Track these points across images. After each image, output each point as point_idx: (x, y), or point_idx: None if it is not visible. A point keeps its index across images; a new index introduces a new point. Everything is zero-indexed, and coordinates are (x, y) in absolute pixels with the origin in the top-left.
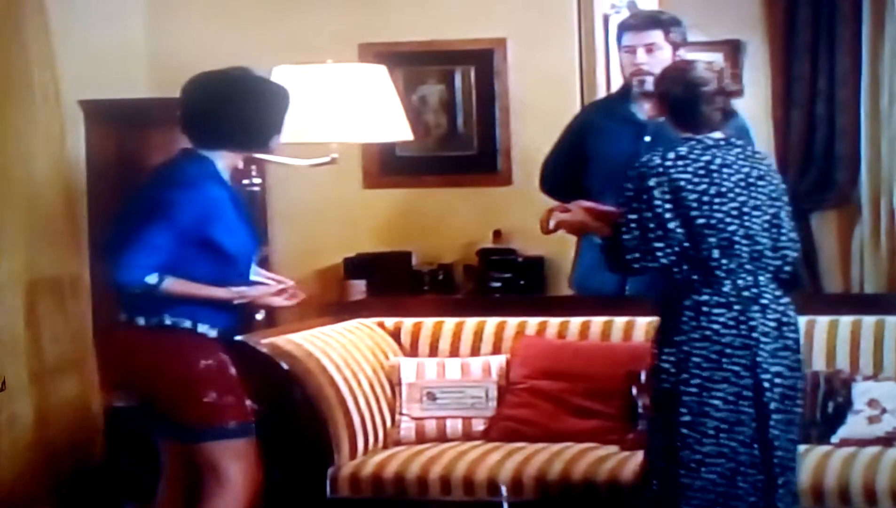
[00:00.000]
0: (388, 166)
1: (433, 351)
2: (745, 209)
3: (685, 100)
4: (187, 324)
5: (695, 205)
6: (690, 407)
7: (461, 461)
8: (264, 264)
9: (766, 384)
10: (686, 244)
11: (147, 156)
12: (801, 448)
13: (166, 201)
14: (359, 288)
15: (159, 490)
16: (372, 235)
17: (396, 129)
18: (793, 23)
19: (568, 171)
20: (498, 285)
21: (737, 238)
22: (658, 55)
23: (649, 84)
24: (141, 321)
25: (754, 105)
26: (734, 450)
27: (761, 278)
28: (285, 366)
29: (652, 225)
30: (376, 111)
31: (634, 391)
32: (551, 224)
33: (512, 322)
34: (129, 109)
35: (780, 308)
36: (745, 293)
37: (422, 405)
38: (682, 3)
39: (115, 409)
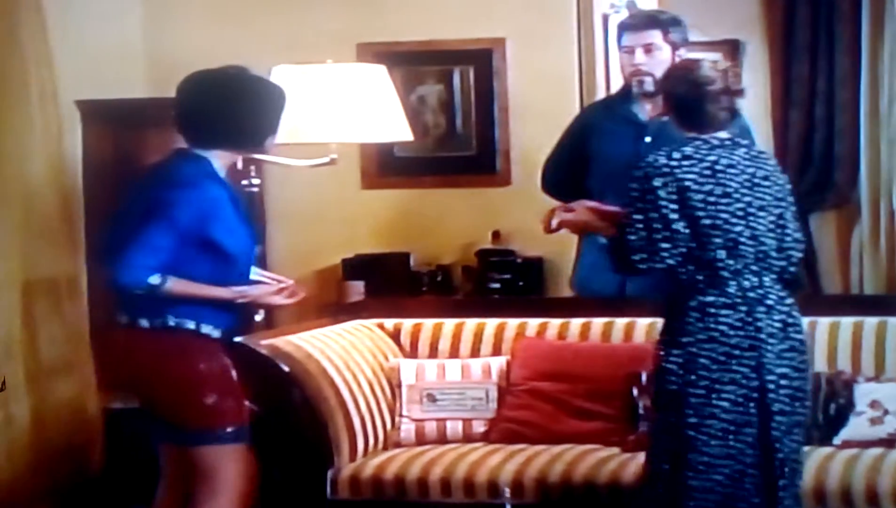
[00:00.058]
0: (386, 167)
1: (433, 352)
2: (751, 210)
3: (690, 99)
4: (191, 325)
5: (700, 205)
6: (697, 409)
7: (462, 462)
8: (261, 264)
9: (771, 386)
10: (692, 245)
11: (144, 156)
12: (804, 449)
13: (166, 201)
14: (357, 289)
15: (158, 495)
16: (370, 236)
17: (396, 129)
18: (792, 23)
19: (569, 171)
20: (497, 286)
21: (742, 239)
22: (657, 55)
23: (648, 84)
24: (144, 322)
25: (753, 106)
26: (741, 452)
27: (766, 278)
28: (285, 367)
29: (658, 225)
30: (376, 111)
31: (635, 392)
32: (553, 223)
33: (512, 323)
34: (126, 109)
35: (785, 309)
36: (751, 294)
37: (422, 406)
38: (682, 3)
39: (113, 411)
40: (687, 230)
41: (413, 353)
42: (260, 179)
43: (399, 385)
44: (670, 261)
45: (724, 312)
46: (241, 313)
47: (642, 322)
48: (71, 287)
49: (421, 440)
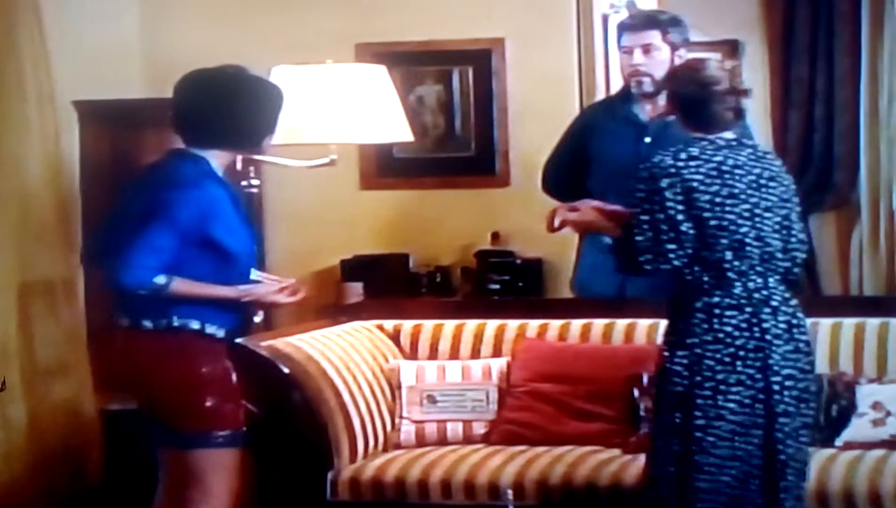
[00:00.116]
0: (385, 168)
1: (433, 354)
2: (757, 211)
3: (696, 99)
4: (195, 325)
5: (707, 206)
6: (704, 410)
7: (462, 464)
8: (260, 265)
9: (776, 387)
10: (698, 246)
11: (141, 156)
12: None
13: (166, 201)
14: (356, 290)
15: (156, 499)
16: (369, 236)
17: (396, 129)
18: (791, 23)
19: (570, 172)
20: (496, 287)
21: (748, 240)
22: (656, 56)
23: (647, 85)
24: (147, 324)
25: (753, 106)
26: (749, 453)
27: (771, 279)
28: (285, 369)
29: (664, 227)
30: (376, 112)
31: (636, 393)
32: (556, 222)
33: (512, 325)
34: (123, 109)
35: (790, 310)
36: (756, 295)
37: (422, 408)
38: (681, 3)
39: (111, 412)
40: (693, 231)
41: (413, 354)
42: (259, 180)
43: (399, 387)
44: (676, 262)
45: (729, 313)
46: (244, 312)
47: (643, 324)
48: (67, 289)
49: (421, 441)
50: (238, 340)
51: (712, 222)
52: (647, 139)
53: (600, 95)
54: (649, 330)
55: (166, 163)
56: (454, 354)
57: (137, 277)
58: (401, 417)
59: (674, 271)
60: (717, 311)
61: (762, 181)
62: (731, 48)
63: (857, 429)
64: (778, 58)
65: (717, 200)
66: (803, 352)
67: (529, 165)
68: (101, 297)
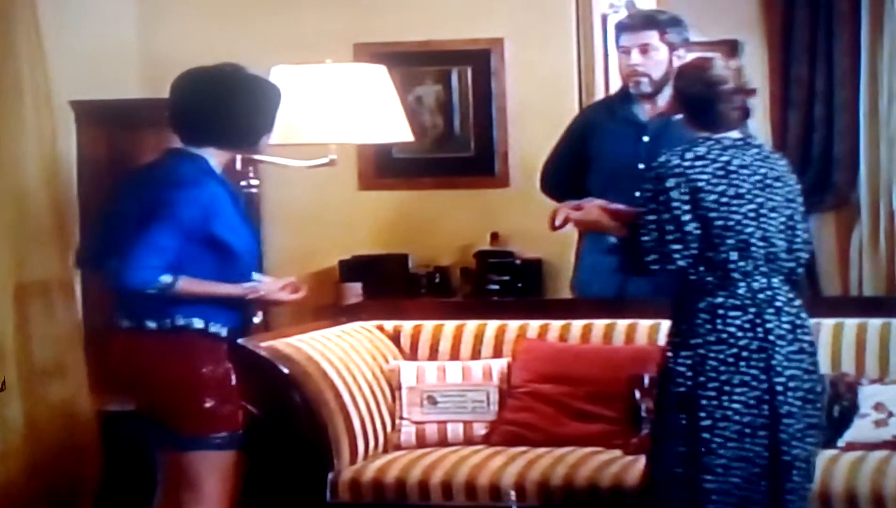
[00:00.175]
0: (384, 168)
1: (433, 355)
2: (763, 211)
3: (703, 98)
4: (199, 324)
5: (713, 206)
6: (710, 411)
7: (463, 465)
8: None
9: (780, 388)
10: (703, 246)
11: (139, 157)
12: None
13: (167, 200)
14: (354, 291)
15: (155, 502)
16: (368, 237)
17: (396, 130)
18: (791, 23)
19: (569, 172)
20: (496, 287)
21: (753, 240)
22: (653, 56)
23: (645, 85)
24: (151, 324)
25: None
26: (758, 454)
27: (775, 280)
28: (284, 369)
29: (670, 227)
30: (376, 112)
31: (637, 394)
32: (558, 220)
33: (513, 325)
34: (120, 109)
35: (794, 310)
36: (760, 296)
37: (422, 409)
38: (680, 2)
39: (109, 413)
40: (699, 231)
41: (413, 355)
42: (258, 180)
43: (399, 388)
44: (682, 262)
45: (733, 313)
46: (247, 310)
47: (644, 324)
48: (64, 290)
49: (421, 442)
50: (238, 341)
51: (718, 223)
52: (646, 138)
53: (600, 96)
54: (650, 331)
55: (164, 162)
56: (454, 355)
57: (143, 277)
58: (401, 418)
59: (679, 272)
60: (720, 311)
61: (768, 181)
62: (731, 48)
63: (860, 430)
64: (777, 58)
65: (723, 200)
66: (807, 352)
67: (529, 165)
68: (98, 298)
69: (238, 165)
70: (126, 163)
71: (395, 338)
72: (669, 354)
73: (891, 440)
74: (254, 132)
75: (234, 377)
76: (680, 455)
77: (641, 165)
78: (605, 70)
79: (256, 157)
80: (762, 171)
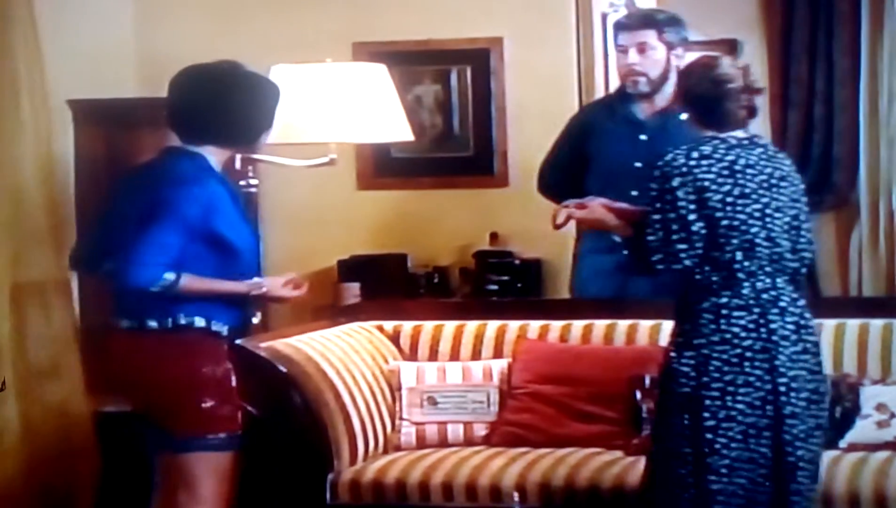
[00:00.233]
0: (382, 167)
1: (433, 355)
2: (768, 211)
3: (710, 97)
4: (201, 323)
5: (719, 206)
6: (713, 412)
7: (463, 466)
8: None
9: (783, 389)
10: (708, 245)
11: (137, 156)
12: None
13: (169, 198)
14: (353, 291)
15: (152, 505)
16: (366, 237)
17: (397, 129)
18: (790, 22)
19: (567, 172)
20: (495, 287)
21: (758, 240)
22: (651, 55)
23: (642, 85)
24: (152, 323)
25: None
26: (764, 456)
27: (779, 280)
28: (284, 370)
29: (675, 226)
30: (376, 111)
31: (639, 395)
32: (560, 219)
33: (513, 326)
34: (118, 108)
35: (798, 311)
36: (765, 296)
37: (422, 409)
38: (679, 2)
39: (106, 414)
40: (704, 231)
41: (413, 356)
42: (257, 179)
43: (399, 388)
44: (687, 262)
45: (737, 313)
46: (250, 309)
47: (645, 324)
48: (60, 290)
49: (421, 443)
50: (237, 341)
51: (724, 222)
52: (644, 137)
53: (600, 95)
54: (651, 331)
55: (163, 161)
56: (454, 355)
57: (146, 275)
58: (401, 419)
59: (684, 271)
60: (724, 311)
61: (773, 181)
62: (730, 48)
63: (862, 431)
64: (777, 57)
65: (729, 199)
66: (812, 353)
67: (528, 165)
68: (96, 298)
69: (238, 165)
70: (124, 162)
71: (395, 338)
72: (673, 354)
73: (893, 441)
74: (253, 130)
75: (233, 378)
76: (684, 457)
77: (639, 164)
78: (605, 69)
79: (256, 156)
80: (768, 170)
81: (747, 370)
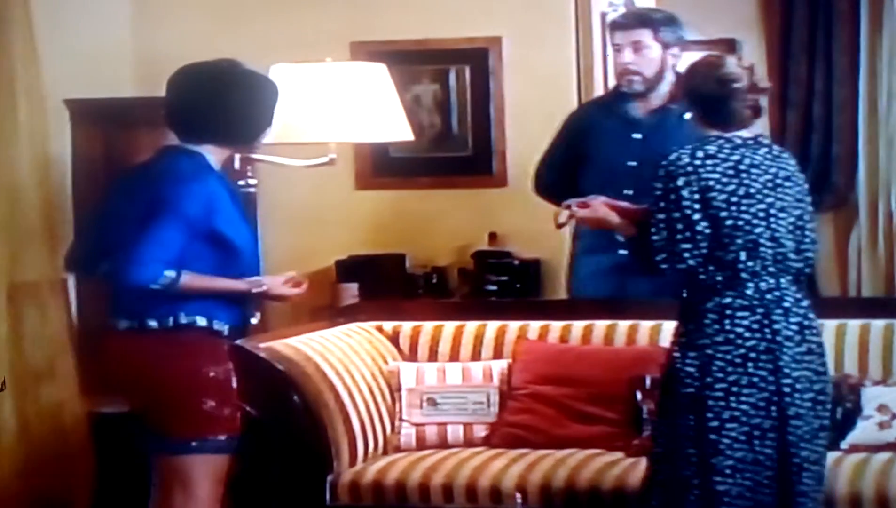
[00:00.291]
0: (380, 167)
1: (433, 356)
2: (772, 211)
3: (716, 97)
4: (203, 322)
5: (723, 206)
6: (717, 412)
7: (464, 468)
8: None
9: (787, 390)
10: (713, 245)
11: (134, 156)
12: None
13: (170, 195)
14: (351, 291)
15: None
16: (364, 237)
17: (396, 128)
18: (789, 22)
19: (564, 171)
20: (494, 288)
21: (763, 240)
22: (646, 54)
23: (637, 84)
24: (153, 323)
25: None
26: (769, 457)
27: (783, 280)
28: (283, 370)
29: (679, 226)
30: (376, 111)
31: (639, 396)
32: (562, 218)
33: (513, 326)
34: (115, 108)
35: (802, 311)
36: (769, 296)
37: (422, 410)
38: (678, 1)
39: (103, 415)
40: (709, 231)
41: (412, 356)
42: (256, 179)
43: (399, 389)
44: (691, 262)
45: (741, 313)
46: (250, 307)
47: (645, 325)
48: (57, 290)
49: (421, 444)
50: (237, 342)
51: (728, 222)
52: (638, 136)
53: (599, 94)
54: (652, 332)
55: (162, 159)
56: (454, 356)
57: (147, 272)
58: (401, 419)
59: (688, 271)
60: (728, 312)
61: (778, 181)
62: (729, 47)
63: (863, 432)
64: (776, 57)
65: (734, 199)
66: (816, 353)
67: (527, 165)
68: (94, 299)
69: (237, 165)
70: (121, 162)
71: (395, 339)
72: (677, 354)
73: (894, 442)
74: (252, 128)
75: (234, 380)
76: (689, 458)
77: (633, 163)
78: (604, 69)
79: (256, 156)
80: (772, 170)
81: (751, 370)
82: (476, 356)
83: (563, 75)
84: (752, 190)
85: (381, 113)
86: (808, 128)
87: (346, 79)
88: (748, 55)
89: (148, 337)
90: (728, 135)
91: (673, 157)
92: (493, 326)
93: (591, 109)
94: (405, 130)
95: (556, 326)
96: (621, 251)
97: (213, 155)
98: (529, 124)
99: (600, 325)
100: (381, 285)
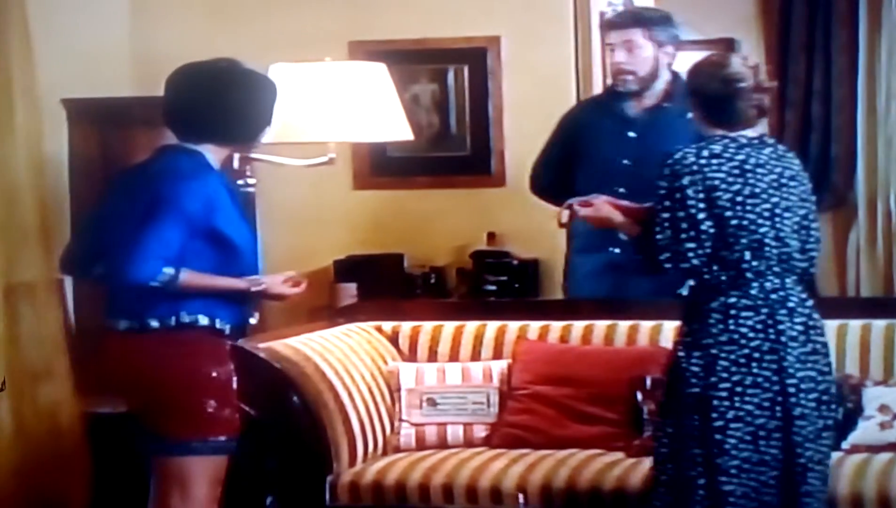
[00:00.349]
0: (379, 167)
1: (432, 356)
2: (777, 211)
3: (721, 96)
4: (205, 321)
5: (728, 205)
6: (722, 412)
7: (464, 468)
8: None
9: (792, 390)
10: (717, 245)
11: (131, 156)
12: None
13: (170, 193)
14: (349, 291)
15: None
16: (363, 237)
17: (396, 128)
18: (788, 21)
19: (560, 171)
20: (492, 288)
21: (767, 240)
22: (639, 53)
23: (631, 83)
24: (154, 322)
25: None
26: (774, 457)
27: (788, 280)
28: (283, 370)
29: (684, 225)
30: (375, 110)
31: (640, 396)
32: (564, 217)
33: (513, 326)
34: (112, 108)
35: (806, 311)
36: (773, 296)
37: (422, 411)
38: (676, 1)
39: (100, 416)
40: (713, 230)
41: (412, 356)
42: (255, 178)
43: (398, 389)
44: (696, 261)
45: (745, 313)
46: (250, 306)
47: (646, 325)
48: (53, 291)
49: (421, 444)
50: (236, 342)
51: (733, 222)
52: (632, 134)
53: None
54: (652, 332)
55: (161, 158)
56: (454, 356)
57: (146, 270)
58: (400, 420)
59: (692, 271)
60: (732, 311)
61: (783, 180)
62: (727, 47)
63: (865, 432)
64: (774, 56)
65: (739, 199)
66: (821, 353)
67: (525, 164)
68: (90, 300)
69: (236, 164)
70: (118, 162)
71: (394, 339)
72: (681, 354)
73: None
74: (251, 127)
75: (234, 381)
76: (694, 458)
77: (627, 161)
78: (602, 69)
79: (255, 155)
80: (777, 170)
81: (755, 370)
82: (476, 356)
83: (562, 75)
84: (757, 190)
85: (380, 112)
86: (806, 127)
87: (344, 78)
88: (747, 55)
89: (149, 337)
90: (733, 134)
91: (678, 155)
92: (492, 326)
93: (586, 108)
94: (405, 130)
95: (556, 326)
96: (615, 250)
97: (213, 154)
98: (528, 124)
99: (600, 325)
100: (380, 285)
